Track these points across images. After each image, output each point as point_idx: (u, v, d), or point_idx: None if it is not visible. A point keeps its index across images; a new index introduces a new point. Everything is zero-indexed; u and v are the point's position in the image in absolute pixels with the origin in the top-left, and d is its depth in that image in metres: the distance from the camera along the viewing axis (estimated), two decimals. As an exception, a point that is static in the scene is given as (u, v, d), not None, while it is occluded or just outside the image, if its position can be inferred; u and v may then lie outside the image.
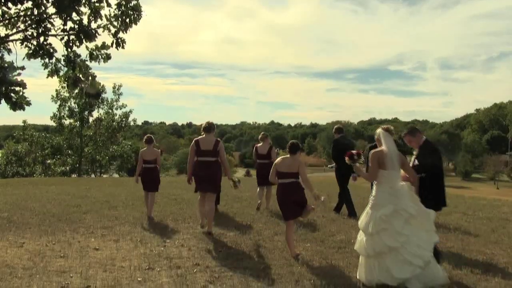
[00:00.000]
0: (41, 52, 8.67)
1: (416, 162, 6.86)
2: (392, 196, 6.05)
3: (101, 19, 8.92)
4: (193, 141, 9.01)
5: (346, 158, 6.63)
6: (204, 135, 8.89)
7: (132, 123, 48.04)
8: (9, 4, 8.45)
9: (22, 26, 8.74)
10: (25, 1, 8.49)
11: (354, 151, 6.70)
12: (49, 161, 45.26)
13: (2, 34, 8.68)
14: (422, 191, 6.40)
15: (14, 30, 8.77)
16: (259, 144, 11.86)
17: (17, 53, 8.74)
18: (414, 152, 7.03)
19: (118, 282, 6.05)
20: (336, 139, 11.05)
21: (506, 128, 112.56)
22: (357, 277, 6.19)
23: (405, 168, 6.36)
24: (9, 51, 8.71)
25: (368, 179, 6.62)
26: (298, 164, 7.32)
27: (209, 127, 8.87)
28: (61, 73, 9.14)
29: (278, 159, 7.52)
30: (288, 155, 7.40)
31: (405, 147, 8.75)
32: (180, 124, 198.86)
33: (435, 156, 6.82)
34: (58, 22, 8.66)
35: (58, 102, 44.35)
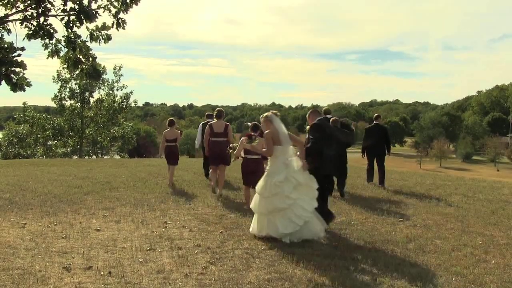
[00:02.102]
0: (41, 33, 8.59)
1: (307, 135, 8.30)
2: (284, 166, 7.34)
3: (102, 0, 8.85)
4: (208, 125, 11.44)
5: (245, 138, 8.32)
6: (216, 120, 11.18)
7: (133, 104, 48.00)
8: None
9: (21, 6, 8.66)
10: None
11: (252, 133, 8.61)
12: (50, 143, 45.34)
13: (2, 14, 8.61)
14: (308, 157, 7.60)
15: (14, 10, 8.69)
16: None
17: (17, 33, 8.69)
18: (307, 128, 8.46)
19: (119, 263, 6.09)
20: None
21: (508, 110, 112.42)
22: (250, 230, 7.51)
23: (294, 141, 7.66)
24: (9, 31, 8.65)
25: (266, 155, 7.73)
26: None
27: (220, 114, 11.21)
28: (62, 54, 9.09)
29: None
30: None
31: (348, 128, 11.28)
32: (181, 105, 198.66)
33: (317, 133, 7.99)
34: (58, 2, 8.58)
35: (59, 83, 44.28)
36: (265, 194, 7.31)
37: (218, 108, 11.45)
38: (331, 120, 11.57)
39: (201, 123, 13.71)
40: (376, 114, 14.07)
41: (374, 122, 13.53)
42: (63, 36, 8.90)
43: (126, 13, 9.00)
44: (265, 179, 7.44)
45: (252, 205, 7.60)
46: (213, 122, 11.37)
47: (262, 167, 8.97)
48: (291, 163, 7.41)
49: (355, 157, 13.89)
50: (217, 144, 10.95)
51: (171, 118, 13.38)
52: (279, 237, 7.12)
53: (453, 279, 5.71)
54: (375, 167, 13.33)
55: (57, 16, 8.67)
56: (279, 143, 7.41)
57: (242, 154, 9.35)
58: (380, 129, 13.30)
